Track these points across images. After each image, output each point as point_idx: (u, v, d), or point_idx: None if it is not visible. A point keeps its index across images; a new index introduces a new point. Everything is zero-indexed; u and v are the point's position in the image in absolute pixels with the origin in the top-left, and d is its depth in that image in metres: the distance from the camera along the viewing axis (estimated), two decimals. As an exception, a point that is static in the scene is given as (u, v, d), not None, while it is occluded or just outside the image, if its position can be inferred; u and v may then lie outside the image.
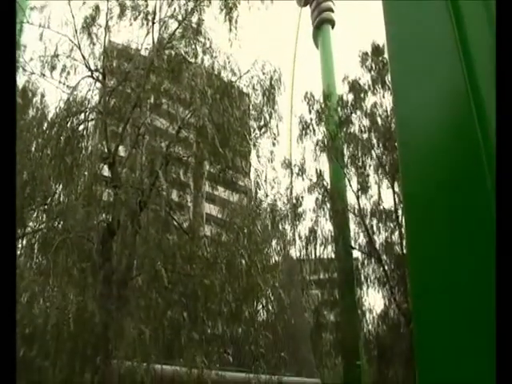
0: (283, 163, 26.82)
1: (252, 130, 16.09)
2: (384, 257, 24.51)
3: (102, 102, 15.57)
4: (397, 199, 23.95)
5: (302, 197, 26.73)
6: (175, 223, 15.08)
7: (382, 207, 25.24)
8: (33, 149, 15.13)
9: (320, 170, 26.36)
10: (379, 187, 25.14)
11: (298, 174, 26.60)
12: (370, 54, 25.89)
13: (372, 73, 25.68)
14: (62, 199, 15.36)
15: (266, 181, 15.62)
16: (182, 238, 14.50)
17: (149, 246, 13.47)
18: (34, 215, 16.91)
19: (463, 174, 2.43)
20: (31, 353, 14.55)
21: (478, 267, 2.26)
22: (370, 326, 25.81)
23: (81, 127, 15.09)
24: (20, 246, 16.19)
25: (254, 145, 15.71)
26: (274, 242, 17.87)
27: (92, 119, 15.43)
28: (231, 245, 14.02)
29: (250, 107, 16.64)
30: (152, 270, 12.91)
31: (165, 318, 13.26)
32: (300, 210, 26.63)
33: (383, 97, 24.87)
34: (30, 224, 16.94)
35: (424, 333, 2.53)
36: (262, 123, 15.83)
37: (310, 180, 26.42)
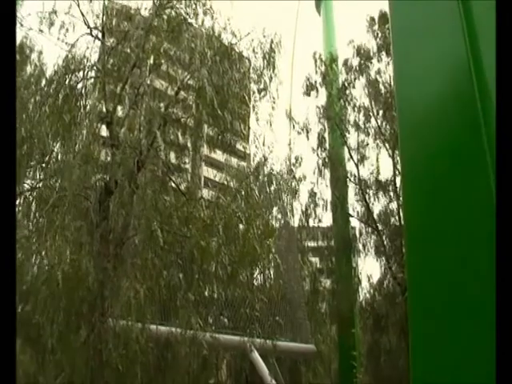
0: (282, 129, 26.78)
1: (252, 93, 15.97)
2: (381, 227, 24.51)
3: (101, 61, 15.42)
4: (396, 170, 23.87)
5: (301, 160, 26.70)
6: (173, 184, 15.03)
7: (380, 177, 25.18)
8: (30, 106, 15.01)
9: (322, 136, 26.25)
10: (378, 157, 25.06)
11: (298, 133, 26.52)
12: (376, 20, 25.53)
13: (377, 40, 25.37)
14: (59, 157, 15.32)
15: (264, 144, 15.53)
16: (179, 199, 14.44)
17: (146, 206, 13.42)
18: (31, 173, 16.89)
19: (462, 143, 2.37)
20: (28, 309, 14.65)
21: (475, 238, 2.22)
22: (366, 295, 25.94)
23: (79, 85, 14.95)
24: (17, 203, 16.19)
25: (254, 108, 15.60)
26: (272, 208, 17.87)
27: (91, 77, 15.27)
28: (228, 207, 13.97)
29: (250, 70, 16.50)
30: (148, 230, 12.86)
31: (161, 278, 13.24)
32: (299, 175, 26.61)
33: (388, 64, 24.60)
34: (28, 182, 16.93)
35: (418, 303, 2.50)
36: (262, 86, 15.70)
37: (311, 145, 26.33)
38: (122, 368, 13.46)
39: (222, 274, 13.25)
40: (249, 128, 16.51)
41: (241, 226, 13.85)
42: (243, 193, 14.37)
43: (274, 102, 15.58)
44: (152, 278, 13.09)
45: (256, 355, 19.21)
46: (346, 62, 26.32)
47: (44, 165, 15.82)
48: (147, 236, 13.02)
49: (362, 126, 25.36)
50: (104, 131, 15.35)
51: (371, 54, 25.31)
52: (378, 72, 25.07)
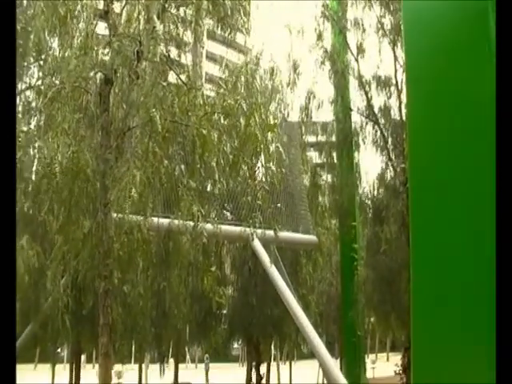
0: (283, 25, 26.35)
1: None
2: (382, 121, 24.43)
3: None
4: (397, 64, 23.54)
5: (301, 57, 26.41)
6: (173, 74, 14.86)
7: (381, 71, 24.92)
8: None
9: (320, 31, 25.79)
10: (379, 51, 24.68)
11: (297, 34, 26.10)
12: None
13: None
14: (57, 53, 15.09)
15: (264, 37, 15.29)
16: (180, 89, 14.32)
17: (146, 95, 13.31)
18: (29, 71, 16.72)
19: (465, 34, 2.32)
20: (33, 207, 14.80)
21: (476, 130, 2.22)
22: (366, 188, 26.16)
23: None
24: (17, 102, 16.09)
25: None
26: (272, 101, 17.75)
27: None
28: (229, 95, 13.89)
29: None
30: (148, 117, 12.80)
31: (162, 166, 13.31)
32: (299, 70, 26.36)
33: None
34: (26, 80, 16.78)
35: (419, 192, 2.51)
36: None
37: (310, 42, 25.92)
38: (125, 257, 13.76)
39: (223, 162, 13.27)
40: (249, 17, 16.14)
41: (241, 120, 13.78)
42: (243, 79, 14.27)
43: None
44: (153, 166, 13.16)
45: (257, 242, 19.46)
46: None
47: (42, 62, 15.62)
48: (147, 124, 13.01)
49: (361, 21, 24.89)
50: (102, 27, 15.07)
51: None
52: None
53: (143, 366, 37.93)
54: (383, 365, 47.60)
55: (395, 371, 23.07)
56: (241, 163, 13.52)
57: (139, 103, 13.43)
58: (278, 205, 16.85)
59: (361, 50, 24.84)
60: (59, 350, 44.43)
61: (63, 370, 43.33)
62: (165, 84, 13.67)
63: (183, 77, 14.84)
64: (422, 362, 2.46)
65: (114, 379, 25.88)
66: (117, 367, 32.74)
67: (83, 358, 41.62)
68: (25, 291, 19.17)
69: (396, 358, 26.87)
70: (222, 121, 13.59)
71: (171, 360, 41.91)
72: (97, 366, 22.31)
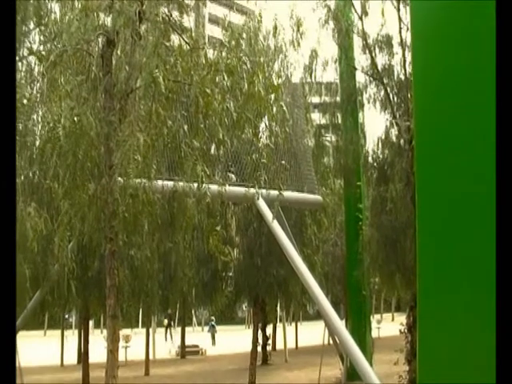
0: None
1: None
2: (386, 80, 24.17)
3: None
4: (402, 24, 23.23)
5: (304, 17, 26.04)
6: (176, 36, 14.76)
7: (385, 30, 24.58)
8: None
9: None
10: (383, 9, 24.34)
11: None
12: None
13: None
14: (57, 17, 14.99)
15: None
16: (183, 49, 14.23)
17: (149, 56, 13.22)
18: (31, 37, 16.62)
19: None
20: (39, 173, 14.81)
21: (482, 86, 2.18)
22: (371, 147, 25.97)
23: None
24: (20, 68, 16.02)
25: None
26: (276, 63, 17.64)
27: None
28: (232, 51, 13.82)
29: None
30: (151, 78, 12.72)
31: (166, 127, 13.27)
32: (303, 29, 26.00)
33: None
34: (27, 45, 16.69)
35: (424, 149, 2.48)
36: None
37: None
38: (130, 219, 13.81)
39: (227, 121, 13.23)
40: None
41: (245, 78, 13.71)
42: (245, 37, 14.19)
43: None
44: (157, 127, 13.13)
45: (262, 202, 19.36)
46: None
47: (43, 27, 15.52)
48: (151, 86, 12.93)
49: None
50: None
51: None
52: None
53: (150, 329, 38.31)
54: (388, 325, 48.04)
55: (400, 330, 23.17)
56: (244, 121, 13.47)
57: (142, 64, 13.35)
58: (283, 162, 16.74)
59: (365, 8, 24.46)
60: (67, 316, 44.94)
61: (72, 336, 43.95)
62: (168, 44, 13.58)
63: (186, 37, 14.72)
64: (429, 319, 2.46)
65: (122, 343, 26.17)
66: (124, 331, 33.09)
67: (91, 323, 42.18)
68: (34, 258, 19.31)
69: (401, 318, 27.01)
70: (226, 79, 13.49)
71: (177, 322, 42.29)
72: (105, 331, 22.53)
